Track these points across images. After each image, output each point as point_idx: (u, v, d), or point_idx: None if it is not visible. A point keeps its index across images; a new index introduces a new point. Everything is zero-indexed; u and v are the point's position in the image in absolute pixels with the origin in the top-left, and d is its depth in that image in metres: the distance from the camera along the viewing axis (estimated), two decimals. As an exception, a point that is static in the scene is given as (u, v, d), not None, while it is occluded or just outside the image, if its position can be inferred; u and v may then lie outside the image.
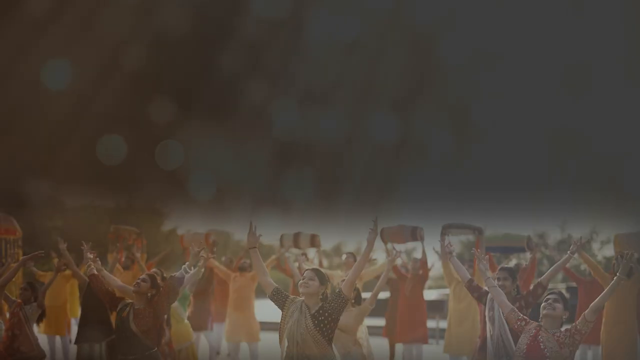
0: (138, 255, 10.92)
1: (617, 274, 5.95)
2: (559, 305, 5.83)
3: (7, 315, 8.73)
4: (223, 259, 13.49)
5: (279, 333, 5.82)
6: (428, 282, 12.46)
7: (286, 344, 5.70)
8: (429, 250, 11.24)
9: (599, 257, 30.37)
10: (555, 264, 7.42)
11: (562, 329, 5.83)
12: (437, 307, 17.54)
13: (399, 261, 11.67)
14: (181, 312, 9.23)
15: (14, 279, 9.02)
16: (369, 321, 8.58)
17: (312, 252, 12.67)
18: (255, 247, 6.00)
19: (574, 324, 5.81)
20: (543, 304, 5.88)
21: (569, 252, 7.24)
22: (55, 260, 10.37)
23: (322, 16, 17.59)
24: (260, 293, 10.33)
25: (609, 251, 29.70)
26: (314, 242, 12.03)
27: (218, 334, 13.25)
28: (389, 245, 11.27)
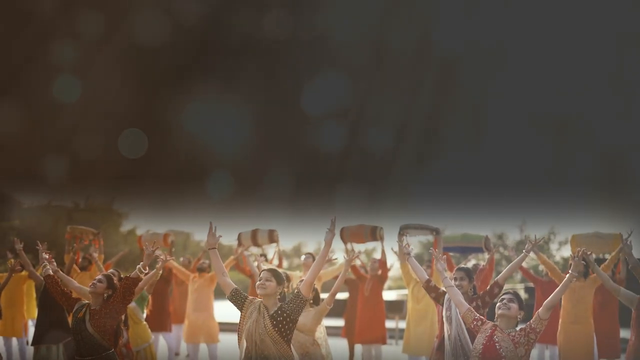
0: (95, 255, 10.81)
1: (569, 271, 6.05)
2: (514, 305, 5.89)
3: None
4: (181, 259, 13.40)
5: (238, 334, 5.82)
6: (387, 283, 12.50)
7: (245, 344, 5.70)
8: (388, 251, 11.25)
9: (557, 258, 30.75)
10: (511, 263, 7.52)
11: (518, 328, 5.90)
12: (396, 308, 17.59)
13: (357, 262, 11.67)
14: (139, 313, 9.17)
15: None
16: (328, 321, 8.60)
17: (271, 252, 12.65)
18: (214, 248, 6.00)
19: (528, 322, 5.87)
20: (498, 304, 5.94)
21: (524, 251, 7.34)
22: (11, 261, 10.23)
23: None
24: (219, 294, 10.31)
25: (567, 252, 30.09)
26: (272, 237, 11.96)
27: (177, 335, 13.18)
28: (349, 246, 11.28)
